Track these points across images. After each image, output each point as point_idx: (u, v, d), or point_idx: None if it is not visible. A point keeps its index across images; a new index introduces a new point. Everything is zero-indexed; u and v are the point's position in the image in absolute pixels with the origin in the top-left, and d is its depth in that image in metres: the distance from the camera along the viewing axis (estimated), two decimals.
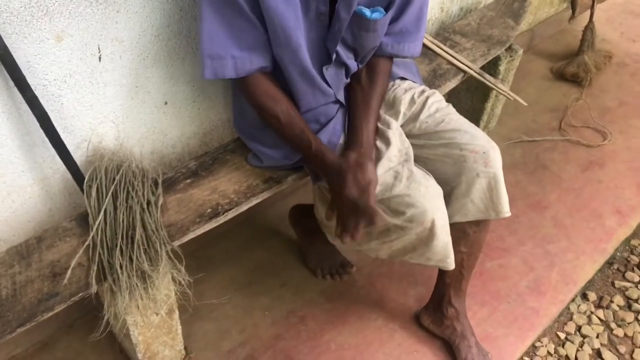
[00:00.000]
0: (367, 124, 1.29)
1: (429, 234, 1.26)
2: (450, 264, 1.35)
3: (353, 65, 1.32)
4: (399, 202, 1.25)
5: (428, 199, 1.24)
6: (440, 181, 1.33)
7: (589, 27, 2.69)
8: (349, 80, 1.37)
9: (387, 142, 1.31)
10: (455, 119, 1.38)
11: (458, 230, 1.41)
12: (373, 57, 1.35)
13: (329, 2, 1.19)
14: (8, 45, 1.04)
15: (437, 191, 1.28)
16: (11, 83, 1.09)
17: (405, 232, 1.27)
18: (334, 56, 1.27)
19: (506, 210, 1.36)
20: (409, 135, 1.39)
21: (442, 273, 1.56)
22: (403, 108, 1.42)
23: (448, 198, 1.36)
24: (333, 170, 1.24)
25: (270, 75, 1.27)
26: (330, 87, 1.32)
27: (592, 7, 2.67)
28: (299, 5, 1.16)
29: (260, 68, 1.23)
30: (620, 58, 2.88)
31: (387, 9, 1.25)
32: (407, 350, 1.63)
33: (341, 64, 1.31)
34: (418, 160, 1.35)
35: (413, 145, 1.35)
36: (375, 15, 1.22)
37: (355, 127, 1.30)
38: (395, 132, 1.33)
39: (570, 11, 2.91)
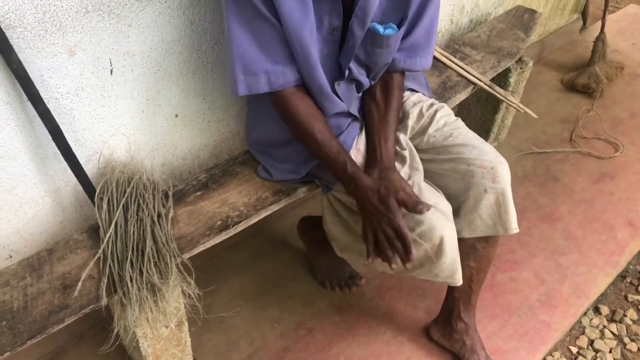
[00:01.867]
0: (386, 140, 1.30)
1: (437, 251, 1.25)
2: (458, 280, 1.34)
3: (365, 81, 1.32)
4: (408, 218, 1.24)
5: (437, 216, 1.23)
6: (448, 196, 1.32)
7: (600, 38, 2.68)
8: (360, 94, 1.38)
9: (402, 161, 1.32)
10: (463, 134, 1.38)
11: (467, 246, 1.40)
12: (386, 73, 1.35)
13: (342, 18, 1.20)
14: (22, 60, 1.06)
15: (446, 208, 1.27)
16: (24, 97, 1.10)
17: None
18: (347, 72, 1.27)
19: (514, 227, 1.35)
20: (417, 149, 1.38)
21: (451, 287, 1.55)
22: (411, 122, 1.42)
23: (456, 213, 1.35)
24: (369, 196, 1.21)
25: (305, 89, 1.26)
26: (343, 102, 1.32)
27: (604, 18, 2.67)
28: (314, 22, 1.16)
29: (295, 80, 1.22)
30: (632, 69, 2.87)
31: (399, 25, 1.25)
32: None
33: (352, 80, 1.31)
34: (426, 175, 1.35)
35: (421, 159, 1.35)
36: (388, 31, 1.23)
37: (375, 145, 1.30)
38: (406, 150, 1.33)
39: (581, 22, 2.91)
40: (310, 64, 1.20)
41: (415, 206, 1.19)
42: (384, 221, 1.20)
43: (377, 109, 1.34)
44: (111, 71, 1.23)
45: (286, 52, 1.18)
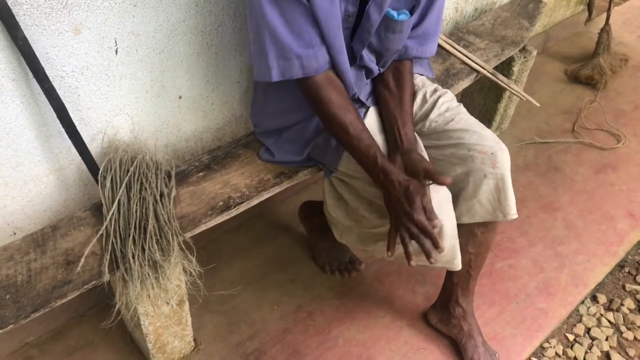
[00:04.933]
0: (405, 126, 1.30)
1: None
2: (457, 265, 1.35)
3: (375, 68, 1.33)
4: None
5: (437, 203, 1.24)
6: None
7: (605, 30, 2.67)
8: (368, 81, 1.38)
9: None
10: (465, 119, 1.38)
11: (466, 231, 1.41)
12: (397, 61, 1.36)
13: (358, 4, 1.20)
14: (27, 37, 1.07)
15: (446, 196, 1.28)
16: (30, 74, 1.11)
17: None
18: (358, 58, 1.28)
19: (513, 212, 1.36)
20: (418, 134, 1.39)
21: (449, 273, 1.56)
22: (414, 107, 1.43)
23: (456, 199, 1.36)
24: (397, 189, 1.20)
25: (335, 74, 1.25)
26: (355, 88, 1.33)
27: (609, 10, 2.66)
28: (339, 7, 1.17)
29: (327, 63, 1.22)
30: (637, 61, 2.86)
31: (411, 12, 1.26)
32: (414, 347, 1.64)
33: (362, 66, 1.32)
34: None
35: (423, 145, 1.36)
36: (402, 16, 1.24)
37: (395, 131, 1.30)
38: None
39: (587, 13, 2.90)
40: (336, 49, 1.21)
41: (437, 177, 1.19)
42: (405, 219, 1.19)
43: (392, 96, 1.35)
44: (116, 51, 1.24)
45: (317, 34, 1.18)
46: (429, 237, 1.17)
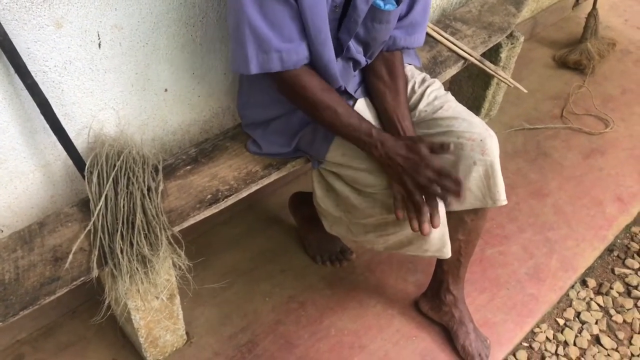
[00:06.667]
0: (404, 118, 1.30)
1: None
2: (447, 253, 1.35)
3: (362, 59, 1.32)
4: None
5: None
6: None
7: (593, 14, 2.67)
8: (356, 73, 1.38)
9: None
10: (453, 107, 1.38)
11: (456, 219, 1.42)
12: (387, 52, 1.35)
13: None
14: (8, 32, 1.05)
15: None
16: (12, 70, 1.10)
17: (403, 227, 1.27)
18: (345, 50, 1.27)
19: (503, 199, 1.36)
20: None
21: (440, 261, 1.57)
22: None
23: None
24: (398, 150, 1.20)
25: (311, 66, 1.25)
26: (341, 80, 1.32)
27: None
28: None
29: (306, 58, 1.21)
30: (624, 45, 2.87)
31: (397, 2, 1.25)
32: (405, 335, 1.65)
33: (349, 58, 1.31)
34: None
35: None
36: (389, 6, 1.23)
37: (394, 124, 1.30)
38: None
39: None
40: (320, 40, 1.20)
41: (440, 146, 1.18)
42: (421, 167, 1.18)
43: (388, 89, 1.34)
44: (99, 44, 1.22)
45: (297, 28, 1.17)
46: (447, 175, 1.16)
